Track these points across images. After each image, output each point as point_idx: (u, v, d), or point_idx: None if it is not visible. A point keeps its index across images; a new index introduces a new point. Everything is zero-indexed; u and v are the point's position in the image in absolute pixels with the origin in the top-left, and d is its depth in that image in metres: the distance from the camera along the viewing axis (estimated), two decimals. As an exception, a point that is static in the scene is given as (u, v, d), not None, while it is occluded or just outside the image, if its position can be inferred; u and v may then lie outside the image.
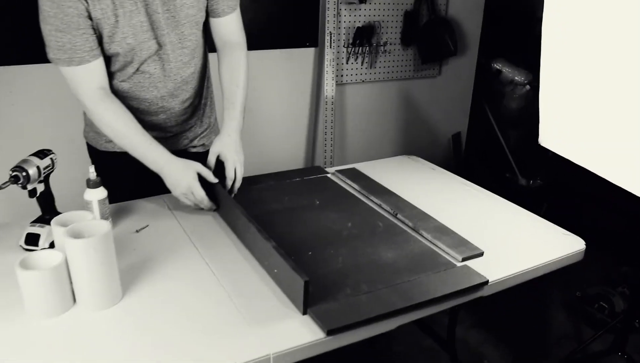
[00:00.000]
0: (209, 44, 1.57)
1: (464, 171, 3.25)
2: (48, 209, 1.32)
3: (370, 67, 2.73)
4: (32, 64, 1.93)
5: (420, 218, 1.48)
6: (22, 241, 1.28)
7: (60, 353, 0.97)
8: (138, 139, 1.39)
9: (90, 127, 1.59)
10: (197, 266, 1.24)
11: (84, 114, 1.58)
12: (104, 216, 1.35)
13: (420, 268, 1.25)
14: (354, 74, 2.69)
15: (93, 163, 1.60)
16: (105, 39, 1.32)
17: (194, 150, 1.68)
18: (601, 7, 1.60)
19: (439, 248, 1.35)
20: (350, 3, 2.52)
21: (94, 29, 1.30)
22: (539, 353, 2.20)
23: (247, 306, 1.11)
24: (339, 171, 1.81)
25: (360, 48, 2.64)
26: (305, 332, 1.03)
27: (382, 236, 1.40)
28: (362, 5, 2.57)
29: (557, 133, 1.82)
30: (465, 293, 1.18)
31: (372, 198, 1.62)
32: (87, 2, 1.25)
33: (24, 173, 1.21)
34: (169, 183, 1.41)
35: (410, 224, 1.46)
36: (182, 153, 1.64)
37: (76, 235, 1.08)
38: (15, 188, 1.23)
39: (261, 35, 2.39)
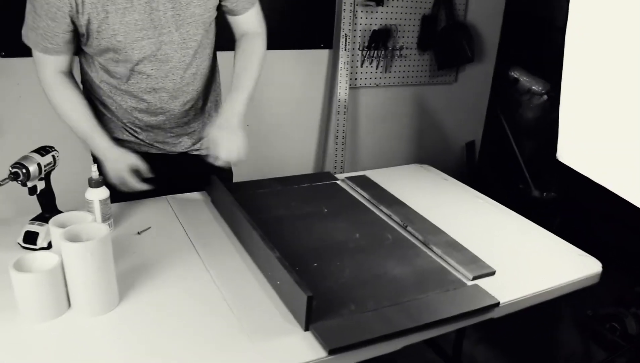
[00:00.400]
0: (219, 43, 1.52)
1: (477, 180, 3.20)
2: (48, 208, 1.29)
3: (385, 72, 2.68)
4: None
5: (430, 231, 1.44)
6: (20, 239, 1.25)
7: (52, 358, 0.95)
8: (84, 125, 1.40)
9: (100, 122, 1.56)
10: (198, 273, 1.21)
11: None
12: (105, 217, 1.32)
13: (428, 285, 1.20)
14: (368, 78, 2.64)
15: (95, 160, 1.57)
16: (94, 34, 1.29)
17: (195, 153, 1.63)
18: (630, 17, 1.54)
19: (449, 264, 1.30)
20: (366, 5, 2.48)
21: (74, 26, 1.28)
22: (547, 372, 2.14)
23: (248, 318, 1.06)
24: (349, 178, 1.76)
25: (376, 52, 2.59)
26: (306, 349, 0.99)
27: (391, 249, 1.35)
28: (379, 8, 2.52)
29: (576, 149, 1.76)
30: (474, 314, 1.13)
31: (381, 207, 1.58)
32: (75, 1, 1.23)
33: (24, 170, 1.17)
34: (107, 167, 1.41)
35: (420, 237, 1.41)
36: (182, 155, 1.60)
37: (73, 238, 1.05)
38: (17, 184, 1.20)
39: (274, 35, 2.32)
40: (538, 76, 2.88)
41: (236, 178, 1.79)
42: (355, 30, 2.50)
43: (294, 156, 2.63)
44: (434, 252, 1.35)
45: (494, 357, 2.16)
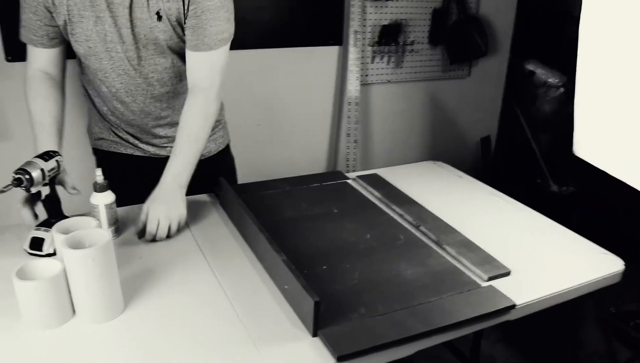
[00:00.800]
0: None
1: (493, 176, 3.14)
2: (53, 213, 1.27)
3: (397, 67, 2.63)
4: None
5: (444, 231, 1.40)
6: (26, 245, 1.24)
7: (54, 368, 0.92)
8: (37, 129, 1.35)
9: (90, 123, 1.57)
10: (204, 278, 1.18)
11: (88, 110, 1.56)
12: (111, 221, 1.30)
13: (442, 287, 1.16)
14: (379, 74, 2.60)
15: (98, 164, 1.57)
16: (69, 35, 1.32)
17: None
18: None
19: (463, 265, 1.26)
20: (376, 0, 2.43)
21: (55, 22, 1.31)
22: (568, 371, 2.09)
23: (255, 324, 1.04)
24: (360, 177, 1.73)
25: (386, 47, 2.55)
26: (314, 355, 0.96)
27: (403, 250, 1.32)
28: (389, 3, 2.47)
29: (593, 143, 1.70)
30: (489, 317, 1.09)
31: (393, 207, 1.54)
32: None
33: (27, 176, 1.15)
34: None
35: (433, 237, 1.37)
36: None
37: (76, 244, 1.03)
38: (22, 190, 1.18)
39: (283, 32, 2.31)
40: (554, 68, 2.81)
41: (246, 179, 1.76)
42: (364, 26, 2.46)
43: (305, 155, 2.59)
44: (448, 252, 1.31)
45: (513, 357, 2.11)
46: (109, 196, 1.29)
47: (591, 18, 1.66)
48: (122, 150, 1.55)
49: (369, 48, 2.52)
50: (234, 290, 1.14)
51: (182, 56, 1.38)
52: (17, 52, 1.86)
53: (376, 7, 2.45)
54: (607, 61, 1.62)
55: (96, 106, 1.50)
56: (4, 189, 1.13)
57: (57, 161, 1.23)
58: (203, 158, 1.58)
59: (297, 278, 1.04)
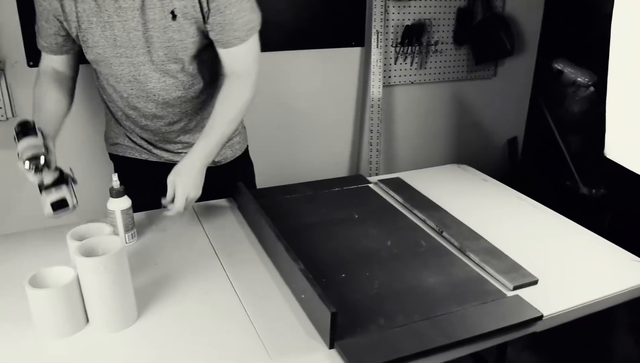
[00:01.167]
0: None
1: (520, 178, 3.06)
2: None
3: (420, 68, 2.58)
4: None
5: (467, 237, 1.35)
6: (48, 212, 1.19)
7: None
8: (34, 111, 1.32)
9: (106, 128, 1.57)
10: (220, 286, 1.16)
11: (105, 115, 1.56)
12: (127, 227, 1.28)
13: (465, 297, 1.11)
14: (402, 75, 2.55)
15: (115, 170, 1.57)
16: (80, 42, 1.32)
17: None
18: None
19: (488, 273, 1.21)
20: (398, 0, 2.39)
21: (66, 31, 1.31)
22: (600, 382, 2.02)
23: (270, 334, 1.01)
24: (382, 181, 1.69)
25: (410, 47, 2.50)
26: (330, 369, 0.93)
27: (425, 257, 1.27)
28: (412, 2, 2.42)
29: (625, 144, 1.63)
30: (515, 329, 1.04)
31: (416, 212, 1.49)
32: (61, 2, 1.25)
33: (38, 161, 1.15)
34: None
35: (456, 244, 1.33)
36: None
37: (89, 252, 1.01)
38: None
39: (304, 34, 2.29)
40: (584, 67, 2.73)
41: (267, 183, 1.74)
42: (387, 26, 2.42)
43: (327, 158, 2.56)
44: (471, 260, 1.26)
45: (541, 366, 2.04)
46: (125, 202, 1.27)
47: (624, 14, 1.60)
48: (137, 155, 1.54)
49: (392, 49, 2.48)
50: (250, 298, 1.11)
51: (194, 59, 1.35)
52: (39, 58, 1.87)
53: (399, 7, 2.41)
54: (640, 59, 1.55)
55: (111, 111, 1.50)
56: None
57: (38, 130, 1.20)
58: (218, 164, 1.56)
59: (314, 288, 1.00)
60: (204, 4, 1.25)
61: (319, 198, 1.58)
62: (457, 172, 1.83)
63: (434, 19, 2.51)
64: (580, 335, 2.16)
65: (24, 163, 1.15)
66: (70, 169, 1.26)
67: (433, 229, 1.41)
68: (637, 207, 2.61)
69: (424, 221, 1.45)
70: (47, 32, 1.32)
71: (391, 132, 2.66)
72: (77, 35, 1.30)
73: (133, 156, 1.54)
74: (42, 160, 1.16)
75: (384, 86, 2.50)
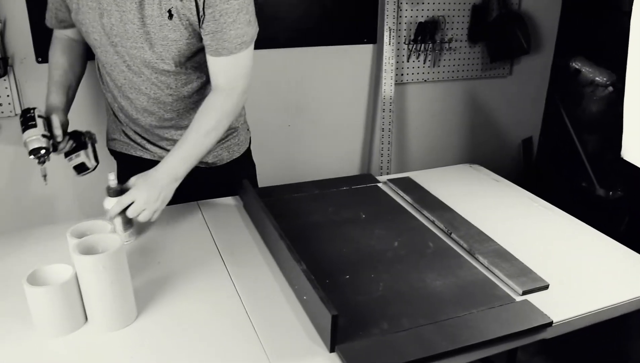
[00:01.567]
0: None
1: (535, 179, 3.01)
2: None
3: (433, 66, 2.54)
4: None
5: (477, 239, 1.31)
6: (74, 174, 1.33)
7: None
8: (49, 83, 1.40)
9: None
10: (222, 286, 1.14)
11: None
12: (125, 226, 1.27)
13: (472, 301, 1.08)
14: (415, 73, 2.51)
15: (118, 166, 1.58)
16: (78, 24, 1.33)
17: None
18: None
19: (497, 277, 1.18)
20: (413, -3, 2.35)
21: (66, 7, 1.33)
22: (614, 389, 1.97)
23: (270, 336, 0.98)
24: (391, 181, 1.66)
25: (423, 45, 2.46)
26: (330, 373, 0.90)
27: (432, 259, 1.24)
28: (426, -1, 2.39)
29: (643, 146, 1.59)
30: (523, 335, 1.01)
31: (424, 212, 1.46)
32: None
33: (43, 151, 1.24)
34: None
35: (465, 246, 1.29)
36: None
37: (88, 249, 1.00)
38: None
39: (316, 31, 2.26)
40: (602, 66, 2.67)
41: (277, 181, 1.72)
42: (400, 23, 2.38)
43: (338, 157, 2.53)
44: (480, 262, 1.23)
45: (553, 371, 2.00)
46: None
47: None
48: (133, 152, 1.52)
49: (405, 46, 2.44)
50: (251, 300, 1.09)
51: (188, 60, 1.33)
52: (47, 54, 1.87)
53: (412, 3, 2.37)
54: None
55: (108, 101, 1.49)
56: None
57: (38, 117, 1.26)
58: (213, 165, 1.54)
59: (316, 289, 0.98)
60: (200, 8, 1.22)
61: (326, 197, 1.56)
62: (469, 172, 1.79)
63: (448, 16, 2.46)
64: (595, 341, 2.11)
65: (29, 155, 1.22)
66: (89, 131, 1.36)
67: (442, 230, 1.38)
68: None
69: (432, 222, 1.42)
70: (50, 5, 1.37)
71: (403, 131, 2.62)
72: (76, 19, 1.31)
73: (129, 153, 1.53)
74: (42, 152, 1.22)
75: (396, 84, 2.47)
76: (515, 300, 1.09)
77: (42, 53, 1.84)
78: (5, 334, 0.99)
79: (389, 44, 2.35)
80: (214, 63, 1.30)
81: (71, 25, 1.38)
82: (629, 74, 1.62)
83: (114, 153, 1.57)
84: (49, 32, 1.46)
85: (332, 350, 0.94)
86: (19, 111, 1.87)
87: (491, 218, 1.44)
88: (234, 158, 1.57)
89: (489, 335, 0.98)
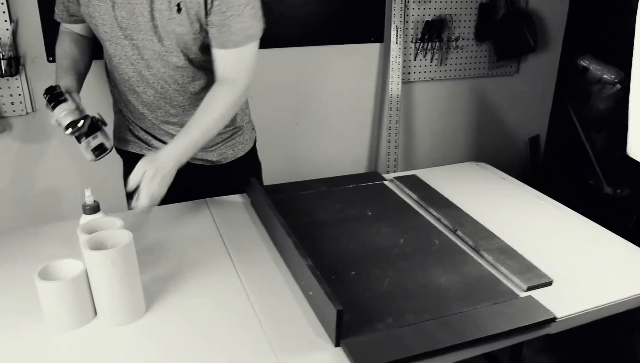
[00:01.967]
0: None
1: (542, 177, 3.01)
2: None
3: (441, 64, 2.55)
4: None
5: (482, 236, 1.32)
6: (91, 158, 1.32)
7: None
8: (57, 70, 1.40)
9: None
10: (229, 282, 1.15)
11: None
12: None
13: (476, 297, 1.09)
14: (422, 72, 2.52)
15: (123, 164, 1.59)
16: (87, 17, 1.33)
17: (198, 162, 1.54)
18: None
19: (501, 273, 1.19)
20: (420, -5, 2.36)
21: (76, 0, 1.34)
22: (620, 386, 1.97)
23: (277, 331, 1.00)
24: (398, 178, 1.67)
25: (430, 44, 2.47)
26: (335, 367, 0.92)
27: (437, 256, 1.25)
28: (433, -2, 2.40)
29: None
30: (527, 330, 1.02)
31: (430, 210, 1.47)
32: None
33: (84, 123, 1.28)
34: None
35: (470, 243, 1.30)
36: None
37: (98, 245, 1.02)
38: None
39: (323, 30, 2.27)
40: (610, 64, 2.67)
41: (284, 179, 1.74)
42: (407, 22, 2.39)
43: (345, 155, 2.55)
44: (485, 259, 1.24)
45: (559, 369, 2.00)
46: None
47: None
48: (139, 150, 1.53)
49: (412, 45, 2.45)
50: (258, 295, 1.10)
51: (196, 55, 1.35)
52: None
53: (419, 2, 2.38)
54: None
55: (115, 99, 1.51)
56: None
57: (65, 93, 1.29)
58: (218, 163, 1.55)
59: (322, 285, 0.99)
60: (208, 1, 1.24)
61: (333, 195, 1.57)
62: (475, 170, 1.80)
63: (455, 14, 2.47)
64: (599, 337, 2.11)
65: (65, 130, 1.26)
66: (99, 114, 1.35)
67: (447, 227, 1.39)
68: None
69: (438, 220, 1.43)
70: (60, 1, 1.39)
71: (410, 129, 2.63)
72: (86, 12, 1.31)
73: (135, 151, 1.53)
74: (80, 124, 1.26)
75: (403, 83, 2.48)
76: (519, 295, 1.10)
77: (53, 53, 1.85)
78: (16, 328, 1.01)
79: (396, 42, 2.36)
80: (219, 55, 1.32)
81: (82, 20, 1.40)
82: (635, 71, 1.63)
83: (120, 152, 1.59)
84: (57, 33, 1.48)
85: (337, 344, 0.95)
86: (30, 110, 1.90)
87: (497, 215, 1.45)
88: (239, 156, 1.58)
89: (493, 330, 0.99)
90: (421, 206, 1.51)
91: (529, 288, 1.12)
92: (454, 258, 1.24)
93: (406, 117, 2.59)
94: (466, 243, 1.31)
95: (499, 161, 2.40)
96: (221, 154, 1.54)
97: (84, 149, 1.33)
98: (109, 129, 1.46)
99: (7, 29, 1.79)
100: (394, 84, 2.42)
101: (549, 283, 1.14)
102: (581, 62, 2.74)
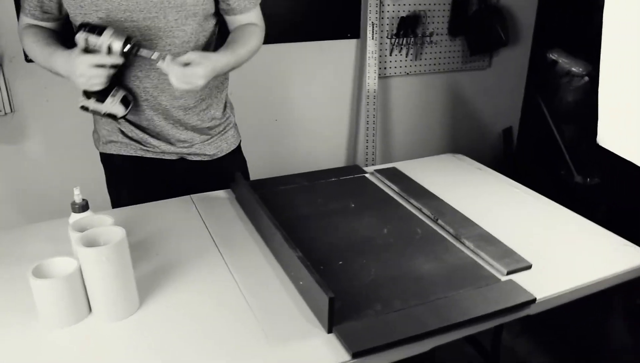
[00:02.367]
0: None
1: (515, 168, 3.09)
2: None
3: (415, 59, 2.60)
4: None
5: (462, 224, 1.37)
6: (122, 113, 1.33)
7: (69, 365, 0.93)
8: (45, 52, 1.31)
9: (95, 128, 1.53)
10: (220, 275, 1.18)
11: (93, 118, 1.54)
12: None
13: (459, 282, 1.14)
14: (397, 67, 2.57)
15: (108, 169, 1.56)
16: (77, 7, 1.27)
17: (195, 158, 1.56)
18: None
19: (482, 259, 1.24)
20: (394, -8, 2.41)
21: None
22: (594, 366, 2.05)
23: (269, 320, 1.03)
24: (378, 171, 1.71)
25: (405, 39, 2.52)
26: (329, 353, 0.95)
27: (420, 244, 1.30)
28: (407, -6, 2.45)
29: (618, 132, 1.66)
30: (509, 312, 1.07)
31: (411, 201, 1.52)
32: None
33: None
34: (76, 74, 1.25)
35: (451, 231, 1.35)
36: (180, 161, 1.55)
37: (91, 242, 1.03)
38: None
39: (300, 26, 2.31)
40: (578, 57, 2.75)
41: (265, 175, 1.76)
42: (382, 18, 2.44)
43: (324, 150, 2.58)
44: (466, 246, 1.29)
45: (535, 351, 2.07)
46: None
47: (615, 3, 1.62)
48: (132, 152, 1.49)
49: (387, 40, 2.50)
50: (249, 287, 1.13)
51: (201, 26, 1.36)
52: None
53: (394, -2, 2.43)
54: (632, 47, 1.57)
55: None
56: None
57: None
58: (215, 157, 1.57)
59: (312, 274, 1.03)
60: None
61: (316, 189, 1.60)
62: (453, 161, 1.85)
63: (429, 10, 2.52)
64: (574, 321, 2.20)
65: (123, 50, 1.22)
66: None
67: (428, 217, 1.43)
68: (630, 195, 2.64)
69: (419, 210, 1.47)
70: None
71: (387, 123, 2.68)
72: (71, 3, 1.26)
73: (128, 154, 1.49)
74: (134, 40, 1.24)
75: (379, 78, 2.52)
76: (500, 279, 1.15)
77: (30, 53, 1.85)
78: (11, 326, 1.02)
79: (372, 38, 2.41)
80: (246, 19, 1.44)
81: (55, 18, 1.34)
82: (603, 64, 1.69)
83: (110, 156, 1.53)
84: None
85: (329, 331, 0.99)
86: (9, 110, 1.89)
87: (475, 204, 1.50)
88: (231, 149, 1.61)
89: (477, 313, 1.03)
90: (402, 197, 1.56)
91: (509, 272, 1.17)
92: (436, 246, 1.29)
93: (383, 112, 2.64)
94: (447, 231, 1.36)
95: (473, 153, 2.46)
96: (217, 147, 1.57)
97: (110, 105, 1.32)
98: (89, 138, 1.45)
99: (-17, 30, 1.78)
100: (371, 79, 2.46)
101: (528, 267, 1.19)
102: (550, 55, 2.82)
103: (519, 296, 1.09)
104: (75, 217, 1.20)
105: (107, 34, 1.22)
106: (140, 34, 1.30)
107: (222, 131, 1.57)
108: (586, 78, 2.75)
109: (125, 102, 1.34)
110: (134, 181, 1.45)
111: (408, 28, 2.50)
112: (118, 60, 1.24)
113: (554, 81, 2.87)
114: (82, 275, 1.02)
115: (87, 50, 1.24)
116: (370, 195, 1.57)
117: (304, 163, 2.51)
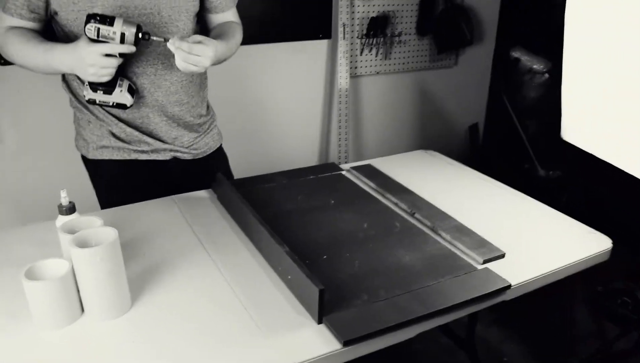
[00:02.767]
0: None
1: (481, 163, 3.19)
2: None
3: (385, 59, 2.67)
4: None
5: (438, 217, 1.43)
6: (130, 101, 1.35)
7: (66, 365, 0.95)
8: (39, 49, 1.28)
9: (79, 134, 1.51)
10: (208, 273, 1.21)
11: (73, 121, 1.52)
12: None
13: (439, 271, 1.20)
14: (368, 66, 2.63)
15: (88, 172, 1.56)
16: (70, 5, 1.26)
17: (187, 156, 1.57)
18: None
19: (459, 249, 1.30)
20: (363, -7, 2.46)
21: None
22: (561, 351, 2.14)
23: (261, 314, 1.07)
24: (354, 168, 1.76)
25: (375, 39, 2.58)
26: (320, 342, 0.99)
27: (400, 237, 1.35)
28: (376, -5, 2.50)
29: (581, 127, 1.75)
30: (486, 298, 1.13)
31: (388, 196, 1.57)
32: None
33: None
34: (83, 66, 1.25)
35: (428, 224, 1.41)
36: (173, 162, 1.56)
37: (83, 243, 1.05)
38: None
39: (272, 28, 2.34)
40: (540, 55, 2.86)
41: (241, 173, 1.79)
42: (353, 18, 2.49)
43: (298, 148, 2.62)
44: (443, 238, 1.35)
45: (507, 338, 2.16)
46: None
47: (576, 9, 1.70)
48: (127, 156, 1.48)
49: (358, 40, 2.55)
50: (238, 283, 1.16)
51: (192, 23, 1.42)
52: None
53: (363, -1, 2.48)
54: (594, 44, 1.65)
55: (89, 110, 1.44)
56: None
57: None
58: (204, 155, 1.60)
59: (301, 268, 1.07)
60: None
61: (295, 186, 1.64)
62: (425, 157, 1.92)
63: (398, 10, 2.59)
64: (542, 310, 2.30)
65: (137, 37, 1.24)
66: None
67: (405, 211, 1.49)
68: (590, 186, 2.76)
69: (396, 204, 1.53)
70: None
71: (359, 121, 2.73)
72: (62, 2, 1.26)
73: (121, 158, 1.48)
74: (143, 28, 1.27)
75: (350, 77, 2.57)
76: (477, 268, 1.22)
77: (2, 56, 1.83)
78: (3, 328, 1.02)
79: (343, 38, 2.46)
80: (225, 18, 1.53)
81: (40, 18, 1.32)
82: (566, 61, 1.78)
83: (100, 162, 1.50)
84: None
85: (319, 321, 1.03)
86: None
87: (449, 197, 1.56)
88: (217, 147, 1.65)
89: (458, 299, 1.09)
90: (379, 192, 1.61)
91: (485, 261, 1.24)
92: (415, 238, 1.35)
93: (355, 110, 2.69)
94: (424, 224, 1.42)
95: (441, 148, 2.54)
96: (206, 144, 1.60)
97: (119, 95, 1.33)
98: (68, 141, 1.43)
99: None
100: (343, 79, 2.51)
101: (502, 256, 1.26)
102: (513, 54, 2.92)
103: (495, 283, 1.15)
104: (62, 219, 1.21)
105: (118, 23, 1.23)
106: (139, 27, 1.29)
107: (207, 128, 1.61)
108: (546, 75, 2.85)
109: (131, 91, 1.36)
110: (125, 186, 1.46)
111: (378, 28, 2.56)
112: (130, 48, 1.26)
113: (517, 78, 2.97)
114: (74, 276, 1.04)
115: (97, 41, 1.24)
116: (348, 192, 1.62)
117: (279, 161, 2.54)
